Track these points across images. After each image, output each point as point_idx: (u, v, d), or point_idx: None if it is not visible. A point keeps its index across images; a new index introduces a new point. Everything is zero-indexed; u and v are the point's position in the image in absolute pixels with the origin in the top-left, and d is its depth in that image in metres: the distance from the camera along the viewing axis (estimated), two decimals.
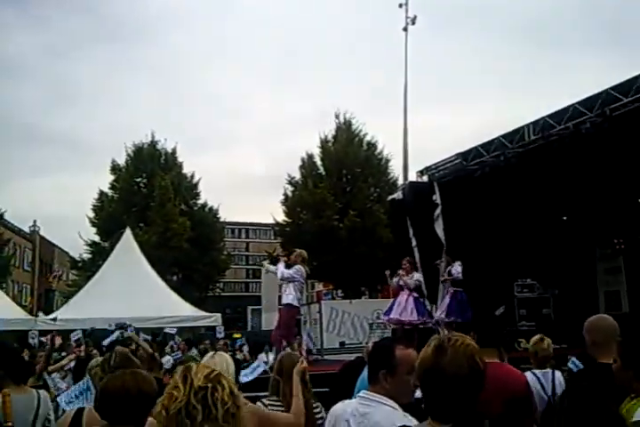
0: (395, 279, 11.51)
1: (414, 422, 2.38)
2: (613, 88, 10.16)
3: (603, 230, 14.82)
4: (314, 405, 4.15)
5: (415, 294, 11.39)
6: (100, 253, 30.41)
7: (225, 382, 1.75)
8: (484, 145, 12.86)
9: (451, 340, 2.06)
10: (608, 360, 3.22)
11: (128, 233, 21.84)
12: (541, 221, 14.01)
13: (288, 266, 10.10)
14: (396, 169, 31.21)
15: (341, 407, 2.79)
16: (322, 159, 31.77)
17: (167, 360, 9.23)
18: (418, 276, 11.49)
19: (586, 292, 14.72)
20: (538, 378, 4.86)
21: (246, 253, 77.36)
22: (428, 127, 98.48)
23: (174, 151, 35.95)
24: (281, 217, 32.02)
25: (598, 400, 2.39)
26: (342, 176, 31.18)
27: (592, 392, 2.99)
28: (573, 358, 5.15)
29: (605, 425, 2.17)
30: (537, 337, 5.11)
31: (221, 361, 3.68)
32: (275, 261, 11.33)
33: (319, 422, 3.96)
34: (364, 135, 32.14)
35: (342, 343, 13.44)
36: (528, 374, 4.86)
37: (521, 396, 3.76)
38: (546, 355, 5.05)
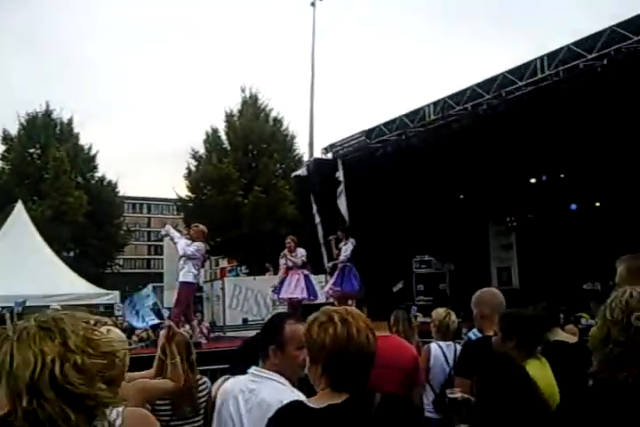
0: (281, 260, 11.33)
1: (303, 397, 2.37)
2: (509, 72, 10.56)
3: (496, 208, 15.51)
4: (198, 379, 4.11)
5: (305, 272, 11.21)
6: None
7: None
8: (386, 124, 13.08)
9: (348, 313, 2.06)
10: (491, 333, 3.38)
11: (20, 206, 20.71)
12: (439, 199, 14.47)
13: (190, 241, 9.89)
14: (301, 146, 31.26)
15: (231, 384, 2.73)
16: (227, 134, 31.26)
17: None
18: (301, 251, 11.31)
19: (479, 267, 15.42)
20: (442, 350, 5.04)
21: (148, 229, 75.52)
22: (335, 104, 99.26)
23: (70, 122, 34.32)
24: (184, 192, 31.40)
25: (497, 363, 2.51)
26: (248, 151, 30.84)
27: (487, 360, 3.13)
28: (474, 330, 5.38)
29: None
30: (443, 311, 5.25)
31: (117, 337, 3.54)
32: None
33: (203, 398, 3.93)
34: (270, 110, 31.86)
35: (245, 320, 13.40)
36: (433, 346, 5.05)
37: (410, 367, 3.88)
38: (453, 328, 5.22)
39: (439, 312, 5.27)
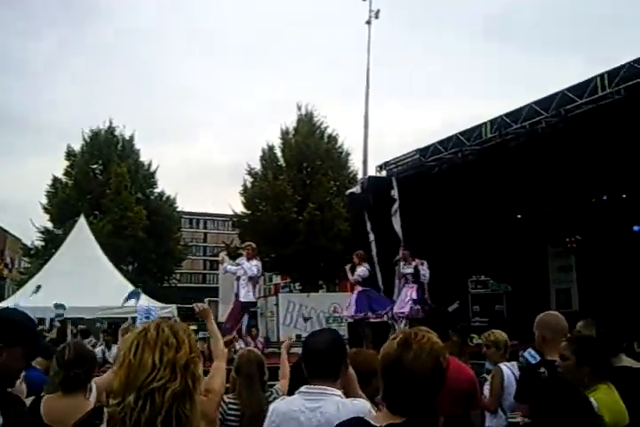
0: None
1: (369, 406, 2.42)
2: (569, 89, 10.38)
3: (555, 229, 15.16)
4: (268, 395, 4.14)
5: (359, 288, 11.40)
6: (52, 241, 29.73)
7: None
8: (442, 142, 13.00)
9: (417, 335, 2.05)
10: (554, 357, 3.29)
11: (82, 221, 21.38)
12: (496, 218, 14.26)
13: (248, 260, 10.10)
14: (355, 163, 31.31)
15: (285, 405, 2.71)
16: (282, 151, 31.61)
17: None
18: (360, 269, 11.44)
19: (538, 289, 15.06)
20: (512, 371, 4.98)
21: (204, 244, 76.80)
22: (390, 122, 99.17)
23: (132, 138, 35.33)
24: (240, 208, 31.83)
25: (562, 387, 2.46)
26: (302, 168, 31.09)
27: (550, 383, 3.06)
28: (530, 349, 5.26)
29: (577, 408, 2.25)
30: (503, 333, 5.22)
31: None
32: (233, 256, 11.27)
33: None
34: (326, 128, 32.09)
35: (299, 336, 13.43)
36: (504, 367, 4.98)
37: (470, 391, 3.84)
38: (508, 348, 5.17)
39: (502, 334, 5.19)
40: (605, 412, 2.75)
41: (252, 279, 10.00)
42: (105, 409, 2.23)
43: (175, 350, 1.73)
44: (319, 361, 2.67)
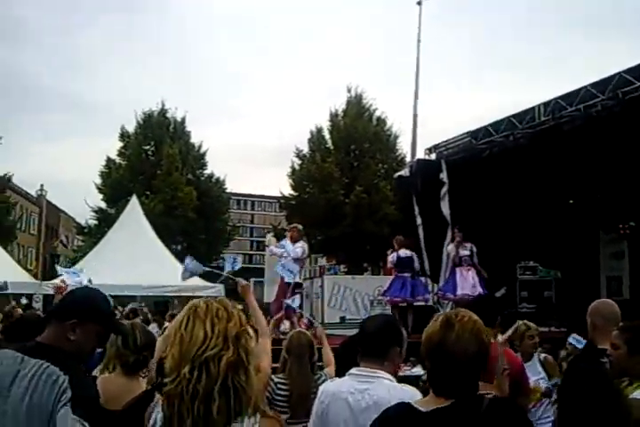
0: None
1: (417, 393, 2.46)
2: (626, 71, 10.03)
3: (608, 215, 14.76)
4: (317, 378, 4.19)
5: (395, 273, 11.64)
6: (105, 220, 30.55)
7: None
8: (493, 124, 12.76)
9: (458, 315, 2.06)
10: (605, 346, 3.23)
11: (134, 200, 21.87)
12: (547, 203, 13.96)
13: (293, 242, 10.16)
14: (404, 146, 31.09)
15: (334, 386, 2.77)
16: (331, 133, 31.58)
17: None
18: (393, 255, 11.59)
19: (588, 276, 14.72)
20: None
21: (251, 226, 77.67)
22: (440, 104, 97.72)
23: (183, 120, 35.86)
24: (287, 190, 32.02)
25: (599, 381, 2.43)
26: (350, 151, 31.03)
27: (591, 374, 3.01)
28: (574, 335, 5.16)
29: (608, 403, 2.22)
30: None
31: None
32: (280, 237, 11.35)
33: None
34: (374, 110, 31.93)
35: (343, 318, 13.53)
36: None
37: (517, 377, 3.82)
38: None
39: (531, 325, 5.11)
40: None
41: (298, 261, 10.05)
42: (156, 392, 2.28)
43: (226, 321, 1.76)
44: (369, 342, 2.73)
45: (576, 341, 4.79)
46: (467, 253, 11.54)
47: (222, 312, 1.79)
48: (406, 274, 11.43)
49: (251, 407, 1.72)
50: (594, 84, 10.63)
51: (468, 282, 11.32)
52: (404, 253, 11.48)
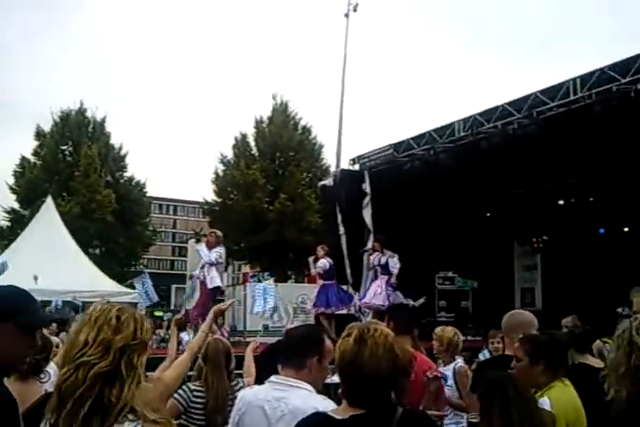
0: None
1: (332, 403, 2.46)
2: (542, 92, 10.54)
3: (523, 229, 15.40)
4: (234, 384, 4.17)
5: (321, 282, 11.57)
6: (19, 222, 29.30)
7: None
8: (415, 138, 13.09)
9: (369, 330, 2.09)
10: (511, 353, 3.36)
11: (49, 202, 21.12)
12: (466, 215, 14.42)
13: (208, 248, 10.06)
14: (329, 155, 31.36)
15: (252, 394, 2.78)
16: (255, 140, 31.48)
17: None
18: (320, 262, 11.48)
19: (503, 287, 15.31)
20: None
21: (173, 231, 76.16)
22: (365, 115, 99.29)
23: (104, 120, 34.84)
24: (211, 196, 31.67)
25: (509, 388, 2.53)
26: (275, 158, 31.03)
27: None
28: (484, 351, 5.36)
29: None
30: (451, 329, 5.22)
31: None
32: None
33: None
34: (300, 119, 32.07)
35: (266, 326, 13.48)
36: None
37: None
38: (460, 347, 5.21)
39: (448, 330, 5.18)
40: (560, 410, 2.82)
41: (215, 266, 9.98)
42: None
43: (113, 331, 1.76)
44: (289, 351, 2.75)
45: (483, 356, 5.00)
46: (381, 262, 11.71)
47: (114, 322, 1.78)
48: (333, 282, 11.54)
49: (125, 415, 1.71)
50: (510, 103, 11.09)
51: (372, 291, 11.53)
52: (329, 261, 11.55)
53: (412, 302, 11.99)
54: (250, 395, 2.78)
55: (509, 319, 3.82)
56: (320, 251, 11.49)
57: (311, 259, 11.63)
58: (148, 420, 1.71)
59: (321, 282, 11.51)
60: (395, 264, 11.56)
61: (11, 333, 2.03)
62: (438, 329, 5.25)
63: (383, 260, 11.71)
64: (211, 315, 3.64)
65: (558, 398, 2.85)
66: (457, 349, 5.13)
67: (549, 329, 3.57)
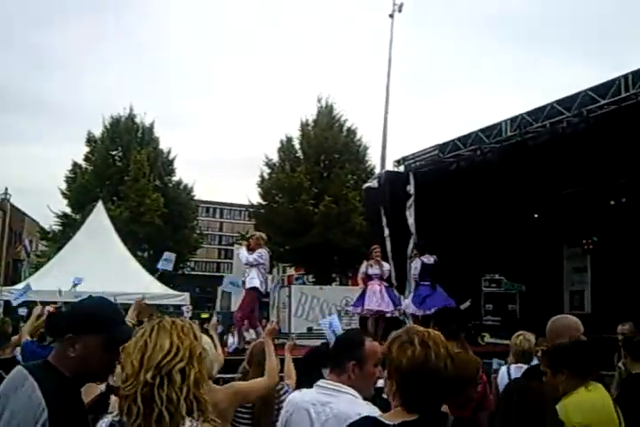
0: (362, 268, 11.54)
1: (377, 410, 2.44)
2: (591, 89, 10.27)
3: (572, 230, 15.02)
4: (279, 389, 4.17)
5: (385, 284, 11.46)
6: (70, 226, 30.07)
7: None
8: (461, 138, 12.92)
9: (430, 334, 2.11)
10: None
11: (100, 206, 21.58)
12: (513, 217, 14.15)
13: (250, 251, 10.08)
14: (374, 157, 31.26)
15: (299, 396, 2.81)
16: (301, 143, 31.61)
17: None
18: (388, 266, 11.57)
19: (551, 290, 14.95)
20: (509, 372, 4.98)
21: (219, 233, 77.17)
22: (410, 116, 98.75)
23: (152, 126, 35.55)
24: (256, 199, 31.93)
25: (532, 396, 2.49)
26: (320, 161, 31.08)
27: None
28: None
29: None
30: (517, 335, 5.26)
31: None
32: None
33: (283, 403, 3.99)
34: (345, 121, 32.06)
35: (310, 329, 13.45)
36: (502, 369, 4.98)
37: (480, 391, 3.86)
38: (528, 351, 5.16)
39: (514, 336, 5.24)
40: (572, 413, 2.76)
41: (256, 267, 9.98)
42: (112, 396, 2.26)
43: (193, 338, 1.80)
44: (331, 356, 2.80)
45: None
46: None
47: (188, 329, 1.82)
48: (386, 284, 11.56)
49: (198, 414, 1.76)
50: (559, 101, 10.85)
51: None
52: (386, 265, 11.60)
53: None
54: (297, 397, 2.82)
55: (552, 326, 3.72)
56: (373, 254, 11.47)
57: (370, 262, 11.54)
58: (208, 419, 1.77)
59: (378, 283, 11.40)
60: (428, 260, 11.54)
61: (94, 348, 2.06)
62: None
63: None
64: (268, 339, 4.00)
65: (571, 402, 2.82)
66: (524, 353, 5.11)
67: (600, 334, 3.48)
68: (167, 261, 7.74)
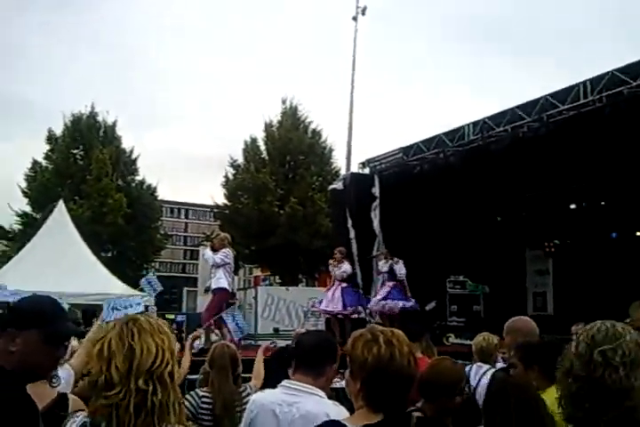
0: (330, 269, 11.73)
1: (344, 409, 2.47)
2: (552, 95, 10.50)
3: (534, 233, 15.33)
4: (242, 390, 4.18)
5: (343, 285, 11.51)
6: (31, 225, 29.42)
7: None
8: (425, 141, 13.07)
9: (393, 333, 2.11)
10: None
11: (61, 205, 21.14)
12: (476, 219, 14.39)
13: (214, 251, 10.03)
14: (339, 159, 31.32)
15: (264, 397, 2.79)
16: (265, 144, 31.48)
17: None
18: (346, 267, 11.58)
19: (515, 291, 15.24)
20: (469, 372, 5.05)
21: (184, 234, 76.46)
22: (374, 118, 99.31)
23: (114, 124, 34.90)
24: (221, 200, 31.71)
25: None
26: (285, 162, 30.99)
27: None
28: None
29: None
30: (479, 335, 5.30)
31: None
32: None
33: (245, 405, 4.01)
34: (310, 123, 32.00)
35: (276, 330, 13.48)
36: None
37: None
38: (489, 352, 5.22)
39: (477, 336, 5.26)
40: (554, 406, 2.83)
41: (222, 267, 9.93)
42: (70, 397, 2.19)
43: (169, 336, 1.76)
44: (306, 358, 2.76)
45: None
46: (385, 269, 11.82)
47: (162, 327, 1.78)
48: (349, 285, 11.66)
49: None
50: (520, 106, 11.06)
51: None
52: (349, 264, 11.71)
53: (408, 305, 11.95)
54: (262, 397, 2.80)
55: (515, 325, 3.84)
56: (338, 254, 11.55)
57: (332, 262, 11.62)
58: (183, 421, 1.75)
59: (342, 284, 11.50)
60: (400, 270, 11.62)
61: (35, 342, 2.04)
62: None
63: (386, 267, 11.76)
64: (189, 342, 3.77)
65: (553, 401, 2.87)
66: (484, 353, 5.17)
67: (560, 335, 3.59)
68: (151, 283, 7.47)
